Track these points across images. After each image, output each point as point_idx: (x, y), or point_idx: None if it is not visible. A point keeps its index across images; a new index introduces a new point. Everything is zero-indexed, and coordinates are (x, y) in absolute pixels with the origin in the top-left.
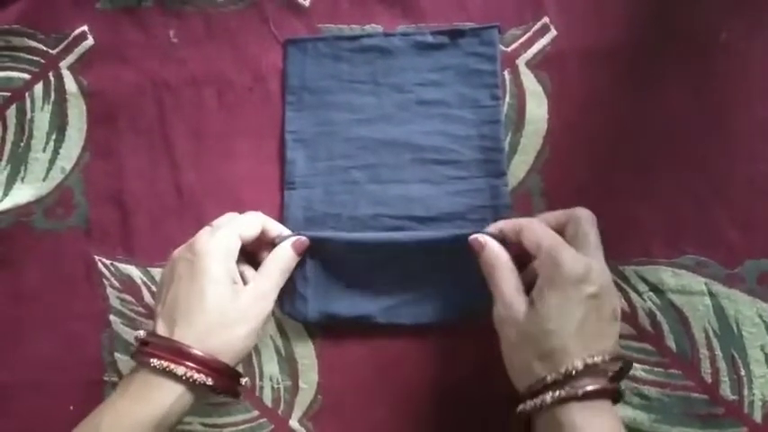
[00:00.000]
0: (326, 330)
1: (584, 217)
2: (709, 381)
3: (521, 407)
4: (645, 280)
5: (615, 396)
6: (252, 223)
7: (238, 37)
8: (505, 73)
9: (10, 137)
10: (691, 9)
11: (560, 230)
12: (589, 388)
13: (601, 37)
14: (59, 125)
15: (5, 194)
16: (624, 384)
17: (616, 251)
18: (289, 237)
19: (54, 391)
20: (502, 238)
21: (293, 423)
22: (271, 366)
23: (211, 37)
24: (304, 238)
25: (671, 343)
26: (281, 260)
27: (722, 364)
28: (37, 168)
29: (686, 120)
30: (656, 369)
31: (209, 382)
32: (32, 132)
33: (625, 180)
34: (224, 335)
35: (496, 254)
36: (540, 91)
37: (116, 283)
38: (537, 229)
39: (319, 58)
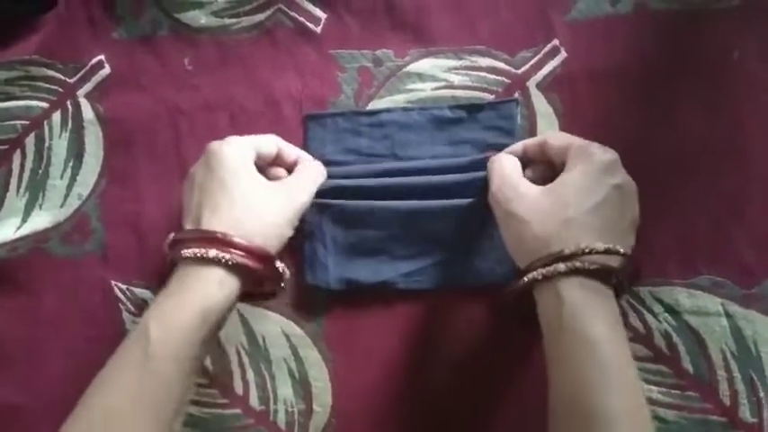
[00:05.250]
0: (340, 353)
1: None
2: (728, 403)
3: (530, 275)
4: (660, 301)
5: (619, 287)
6: (268, 141)
7: (251, 63)
8: (516, 95)
9: (29, 164)
10: (702, 29)
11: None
12: (602, 263)
13: (611, 58)
14: (77, 152)
15: (24, 221)
16: None
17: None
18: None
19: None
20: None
21: None
22: (284, 390)
23: (225, 63)
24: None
25: (688, 365)
26: (311, 170)
27: (741, 386)
28: (54, 195)
29: (699, 139)
30: (672, 391)
31: (249, 263)
32: (50, 159)
33: (638, 201)
34: (253, 221)
35: (507, 156)
36: (551, 113)
37: (132, 308)
38: (564, 135)
39: (339, 133)
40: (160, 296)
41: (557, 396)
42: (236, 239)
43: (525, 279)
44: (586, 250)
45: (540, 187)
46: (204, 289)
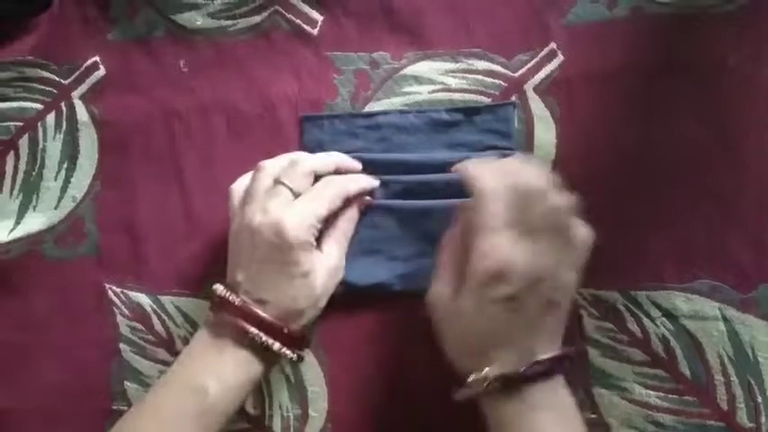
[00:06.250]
0: (336, 357)
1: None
2: (726, 408)
3: (457, 395)
4: (657, 305)
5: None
6: (338, 196)
7: (247, 65)
8: (513, 98)
9: (22, 166)
10: (698, 33)
11: None
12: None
13: (608, 62)
14: (71, 154)
15: (17, 223)
16: (638, 412)
17: (628, 276)
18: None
19: (63, 419)
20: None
21: None
22: (280, 395)
23: (221, 66)
24: (368, 197)
25: (685, 369)
26: (349, 224)
27: (738, 391)
28: (48, 197)
29: (696, 144)
30: (670, 396)
31: (295, 357)
32: (44, 161)
33: (635, 205)
34: (310, 314)
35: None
36: (548, 116)
37: (126, 311)
38: (479, 201)
39: (335, 135)
40: (211, 352)
41: None
42: (297, 334)
43: (455, 396)
44: (484, 378)
45: (452, 299)
46: (261, 364)
